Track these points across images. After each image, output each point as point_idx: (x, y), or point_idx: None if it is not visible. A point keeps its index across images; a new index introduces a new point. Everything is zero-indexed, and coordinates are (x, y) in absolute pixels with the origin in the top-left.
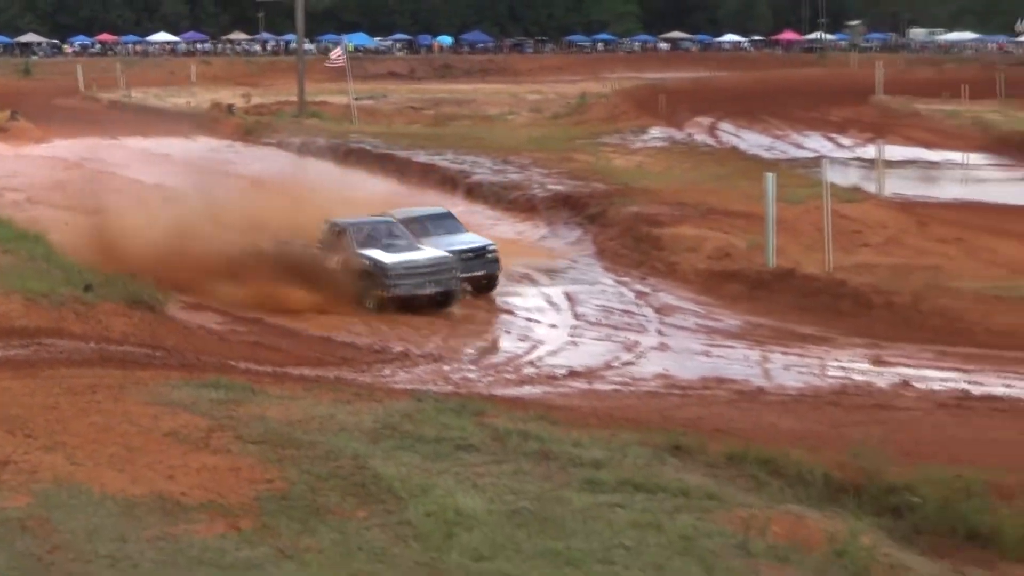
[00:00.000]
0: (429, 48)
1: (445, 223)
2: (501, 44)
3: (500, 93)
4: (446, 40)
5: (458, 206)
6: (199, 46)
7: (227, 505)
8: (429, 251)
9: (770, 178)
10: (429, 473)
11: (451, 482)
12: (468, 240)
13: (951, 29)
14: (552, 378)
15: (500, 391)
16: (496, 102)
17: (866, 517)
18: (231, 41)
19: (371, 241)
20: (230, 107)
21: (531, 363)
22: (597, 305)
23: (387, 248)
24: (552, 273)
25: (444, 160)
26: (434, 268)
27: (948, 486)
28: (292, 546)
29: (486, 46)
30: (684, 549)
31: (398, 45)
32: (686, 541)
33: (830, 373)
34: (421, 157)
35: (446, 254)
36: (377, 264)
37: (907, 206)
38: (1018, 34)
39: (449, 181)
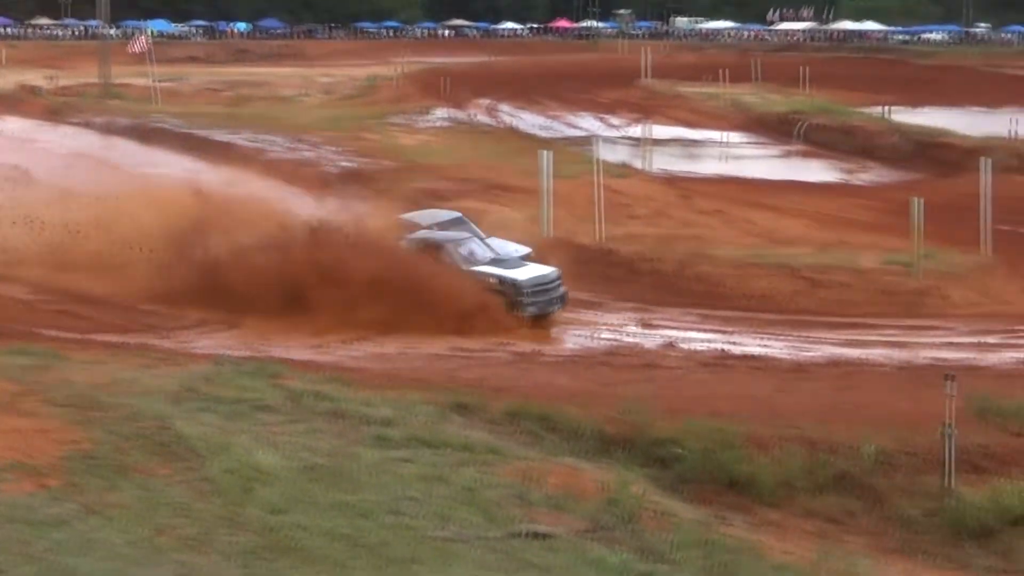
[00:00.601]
0: (226, 34)
1: (464, 228)
2: (294, 30)
3: (293, 76)
4: (242, 26)
5: (254, 182)
6: (6, 30)
7: (35, 465)
8: (541, 266)
9: (545, 155)
10: (228, 432)
11: (249, 440)
12: (514, 248)
13: (711, 18)
14: (344, 342)
15: (295, 355)
16: (290, 84)
17: (635, 468)
18: (37, 25)
19: (474, 256)
20: (36, 89)
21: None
22: None
23: (499, 264)
24: None
25: (241, 139)
26: (554, 283)
27: (710, 438)
28: (98, 502)
29: (280, 32)
30: (467, 499)
31: (198, 31)
32: (469, 492)
33: (602, 335)
34: (220, 136)
35: (556, 268)
36: (508, 282)
37: (672, 181)
38: (770, 23)
39: (246, 158)
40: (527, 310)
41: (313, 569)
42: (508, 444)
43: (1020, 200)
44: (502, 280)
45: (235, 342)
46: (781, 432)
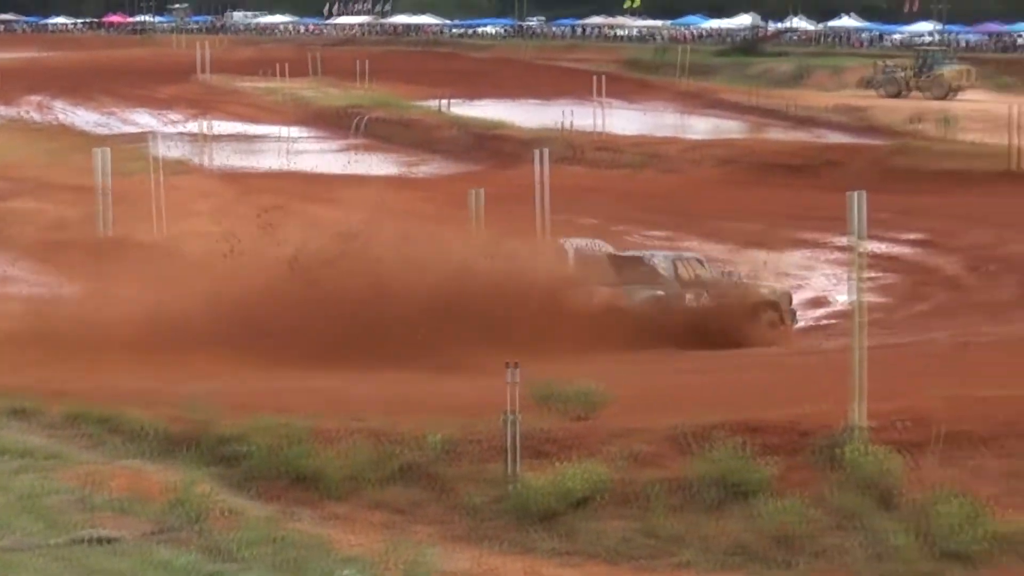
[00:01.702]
0: None
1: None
2: None
3: None
4: None
5: None
6: None
7: None
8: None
9: (100, 153)
10: None
11: None
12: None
13: (270, 12)
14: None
15: None
16: None
17: (202, 467)
18: None
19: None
20: None
21: None
22: None
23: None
24: None
25: None
26: None
27: (276, 433)
28: None
29: None
30: (28, 507)
31: None
32: (29, 499)
33: None
34: None
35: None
36: (781, 293)
37: (232, 176)
38: (327, 17)
39: None
40: (796, 321)
41: None
42: (69, 448)
43: (574, 190)
44: (775, 292)
45: None
46: (348, 425)
